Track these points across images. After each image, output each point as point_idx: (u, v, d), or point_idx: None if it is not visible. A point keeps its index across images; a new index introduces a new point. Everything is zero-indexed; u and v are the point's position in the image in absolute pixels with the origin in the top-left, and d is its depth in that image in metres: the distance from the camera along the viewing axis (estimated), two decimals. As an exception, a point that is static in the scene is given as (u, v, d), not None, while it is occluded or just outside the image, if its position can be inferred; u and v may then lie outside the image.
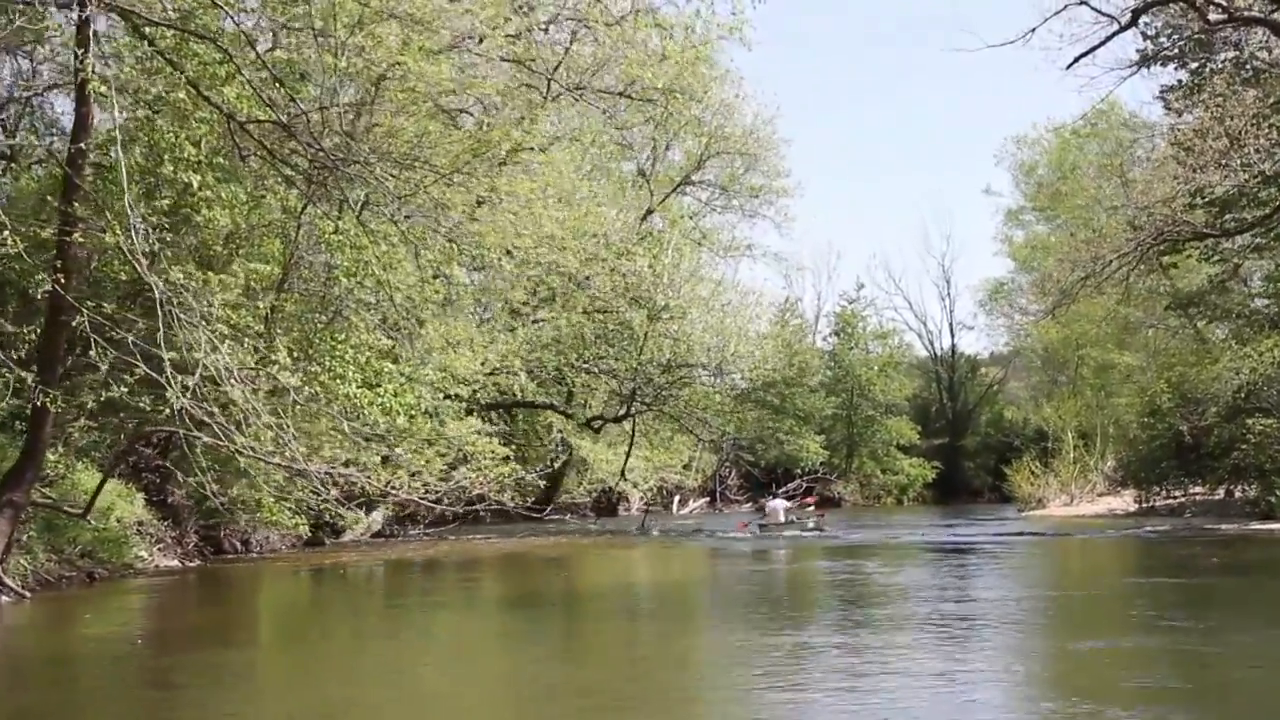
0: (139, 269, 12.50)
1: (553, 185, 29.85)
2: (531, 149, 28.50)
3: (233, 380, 13.47)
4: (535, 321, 36.78)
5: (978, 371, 77.30)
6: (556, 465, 47.42)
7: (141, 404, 16.13)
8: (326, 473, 17.55)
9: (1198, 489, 40.82)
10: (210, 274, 16.59)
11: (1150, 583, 20.65)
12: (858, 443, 68.81)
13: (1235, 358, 37.93)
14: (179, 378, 13.21)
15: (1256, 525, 32.30)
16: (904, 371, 72.30)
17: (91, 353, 13.37)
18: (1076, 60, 28.46)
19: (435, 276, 27.28)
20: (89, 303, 14.30)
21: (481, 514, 35.94)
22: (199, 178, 17.91)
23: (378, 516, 33.18)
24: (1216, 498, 39.83)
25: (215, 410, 13.77)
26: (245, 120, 15.71)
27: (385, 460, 24.10)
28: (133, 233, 12.37)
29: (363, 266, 20.32)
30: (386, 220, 19.24)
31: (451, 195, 17.91)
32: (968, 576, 21.93)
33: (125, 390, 14.64)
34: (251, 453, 14.95)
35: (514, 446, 35.47)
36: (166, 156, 18.43)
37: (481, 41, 25.84)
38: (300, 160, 17.13)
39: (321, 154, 14.21)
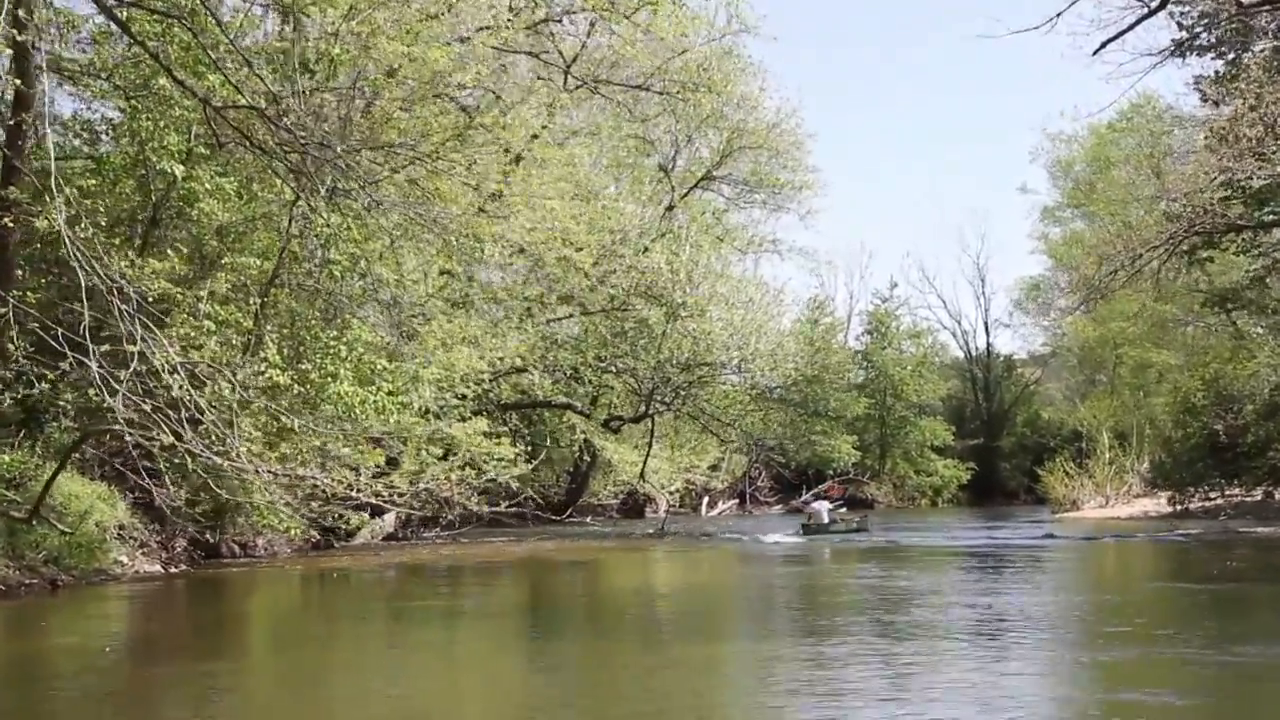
0: (70, 252, 11.87)
1: (567, 180, 29.28)
2: (543, 142, 27.94)
3: (177, 375, 12.82)
4: (551, 321, 36.12)
5: (1013, 371, 76.30)
6: (581, 467, 46.91)
7: (65, 403, 15.52)
8: (273, 473, 16.83)
9: (1234, 490, 39.74)
10: (152, 261, 15.96)
11: (1178, 588, 19.88)
12: (891, 443, 68.03)
13: (1273, 354, 36.93)
14: (122, 374, 12.58)
15: (1294, 528, 31.31)
16: (938, 371, 71.51)
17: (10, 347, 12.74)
18: (1105, 45, 27.45)
19: (443, 273, 26.70)
20: (15, 292, 13.71)
21: (502, 516, 35.31)
22: (182, 168, 17.35)
23: (389, 519, 32.48)
24: (1254, 499, 38.73)
25: (148, 405, 13.10)
26: (221, 106, 15.11)
27: (390, 463, 23.46)
28: (59, 214, 11.75)
29: (355, 262, 19.72)
30: (380, 213, 18.62)
31: (439, 182, 17.22)
32: (996, 582, 21.31)
33: (48, 387, 14.05)
34: (193, 452, 14.25)
35: (528, 447, 34.81)
36: (149, 146, 17.89)
37: (490, 29, 25.28)
38: (286, 150, 16.59)
39: (291, 137, 13.57)
